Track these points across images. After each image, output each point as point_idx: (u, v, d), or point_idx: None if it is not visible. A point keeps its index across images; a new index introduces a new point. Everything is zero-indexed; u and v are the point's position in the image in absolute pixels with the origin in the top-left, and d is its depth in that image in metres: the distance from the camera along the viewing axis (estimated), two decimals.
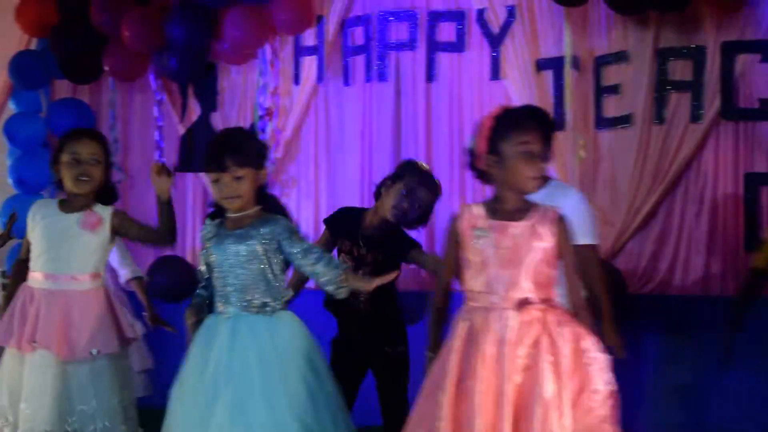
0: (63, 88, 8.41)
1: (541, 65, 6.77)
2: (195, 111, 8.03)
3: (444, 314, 3.98)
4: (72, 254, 4.58)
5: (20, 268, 4.76)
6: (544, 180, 4.12)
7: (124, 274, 6.25)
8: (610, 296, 4.72)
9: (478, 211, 3.86)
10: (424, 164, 5.27)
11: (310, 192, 7.68)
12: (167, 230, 4.64)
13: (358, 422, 4.31)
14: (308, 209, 7.59)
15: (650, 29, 6.45)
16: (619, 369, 3.82)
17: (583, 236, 4.40)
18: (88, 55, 7.91)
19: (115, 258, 6.13)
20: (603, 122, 6.60)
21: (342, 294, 4.06)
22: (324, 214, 6.61)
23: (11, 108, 8.26)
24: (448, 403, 3.68)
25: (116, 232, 4.67)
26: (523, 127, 3.82)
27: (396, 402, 5.06)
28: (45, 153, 7.76)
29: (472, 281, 3.83)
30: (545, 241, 3.77)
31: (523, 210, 3.82)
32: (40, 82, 8.17)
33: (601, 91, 6.62)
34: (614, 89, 6.58)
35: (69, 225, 4.61)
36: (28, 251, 4.70)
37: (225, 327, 4.06)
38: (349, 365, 4.95)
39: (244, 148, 4.10)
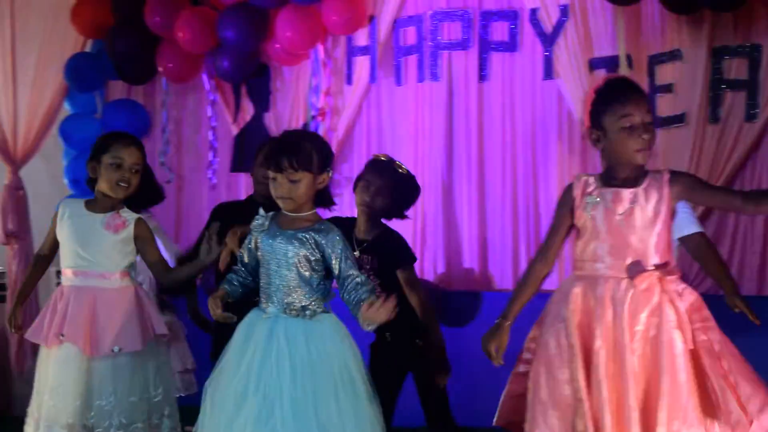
0: (117, 89, 8.47)
1: (595, 64, 6.73)
2: (248, 111, 8.05)
3: (536, 287, 4.00)
4: (99, 253, 4.65)
5: (38, 262, 4.91)
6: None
7: None
8: (728, 268, 5.00)
9: (592, 180, 3.89)
10: (382, 156, 5.34)
11: None
12: (176, 282, 4.78)
13: (397, 423, 4.30)
14: None
15: (704, 27, 6.40)
16: None
17: (689, 227, 4.49)
18: (142, 56, 7.99)
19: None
20: (657, 121, 6.53)
21: (368, 330, 3.96)
22: None
23: (67, 109, 8.34)
24: (584, 382, 3.67)
25: (135, 240, 4.73)
26: (624, 99, 3.82)
27: (435, 394, 5.09)
28: None
29: (583, 249, 3.85)
30: (659, 205, 3.77)
31: (636, 177, 3.84)
32: (95, 84, 8.24)
33: (655, 89, 6.58)
34: (668, 88, 6.54)
35: (95, 225, 4.68)
36: (50, 248, 4.82)
37: (263, 327, 4.05)
38: (386, 367, 4.97)
39: (303, 151, 4.03)
